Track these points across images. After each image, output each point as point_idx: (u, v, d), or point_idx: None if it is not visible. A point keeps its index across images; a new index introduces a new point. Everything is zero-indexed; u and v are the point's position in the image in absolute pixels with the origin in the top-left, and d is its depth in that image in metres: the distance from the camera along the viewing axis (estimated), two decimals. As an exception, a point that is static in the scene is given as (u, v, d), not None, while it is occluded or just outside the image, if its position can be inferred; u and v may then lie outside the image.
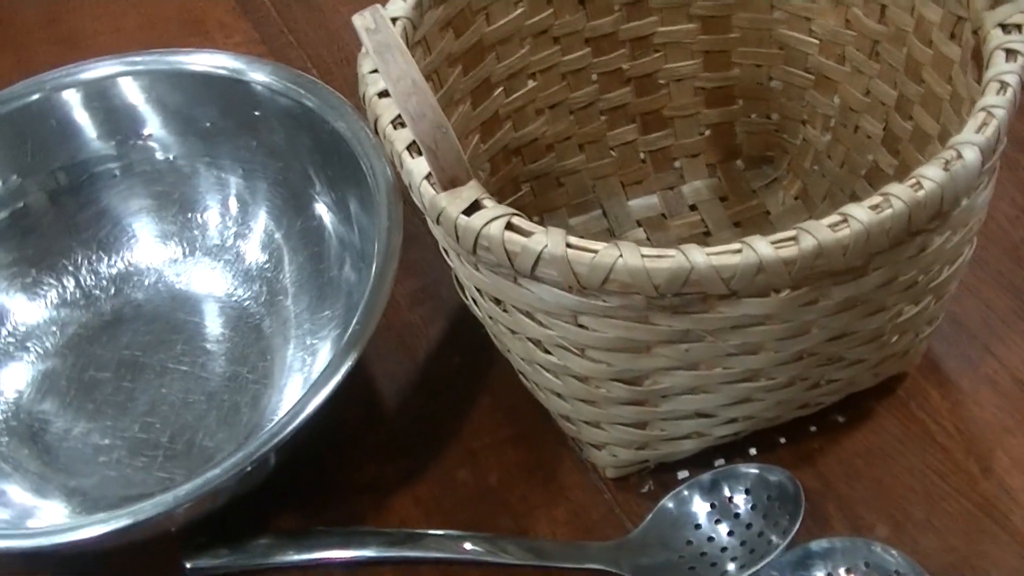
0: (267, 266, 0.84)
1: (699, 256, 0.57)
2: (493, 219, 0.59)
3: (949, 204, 0.59)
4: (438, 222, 0.61)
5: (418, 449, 0.77)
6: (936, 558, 0.68)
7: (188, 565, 0.73)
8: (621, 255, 0.57)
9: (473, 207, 0.60)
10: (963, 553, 0.70)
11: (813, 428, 0.75)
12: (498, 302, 0.65)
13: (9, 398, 0.81)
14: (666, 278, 0.57)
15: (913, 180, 0.58)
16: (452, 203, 0.60)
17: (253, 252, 0.85)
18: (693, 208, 0.85)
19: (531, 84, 0.80)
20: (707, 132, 0.85)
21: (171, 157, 0.85)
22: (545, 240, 0.58)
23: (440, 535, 0.73)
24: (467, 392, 0.80)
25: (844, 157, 0.80)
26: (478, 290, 0.67)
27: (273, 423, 0.67)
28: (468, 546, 0.72)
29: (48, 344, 0.84)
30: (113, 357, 0.83)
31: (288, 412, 0.67)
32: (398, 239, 0.72)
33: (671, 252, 0.57)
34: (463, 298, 0.72)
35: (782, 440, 0.74)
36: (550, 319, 0.63)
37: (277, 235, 0.84)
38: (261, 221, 0.85)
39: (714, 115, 0.84)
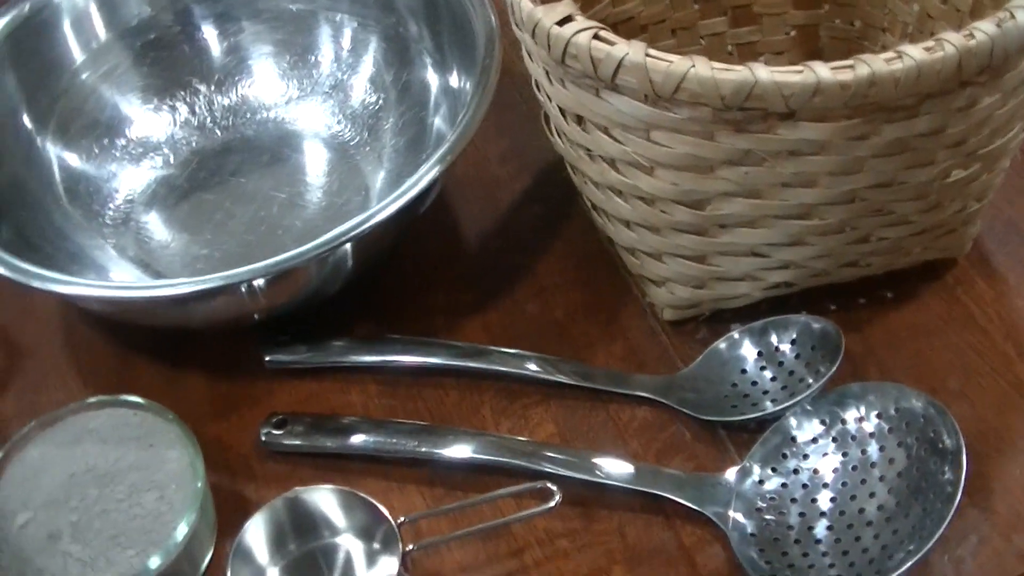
0: (371, 109, 0.90)
1: (763, 72, 0.62)
2: (582, 29, 0.65)
3: (999, 58, 0.63)
4: (533, 35, 0.67)
5: (492, 282, 0.83)
6: (967, 425, 0.71)
7: (267, 358, 0.79)
8: (694, 65, 0.63)
9: (565, 20, 0.66)
10: (993, 424, 0.73)
11: (862, 300, 0.79)
12: (580, 121, 0.71)
13: (120, 202, 0.88)
14: (732, 89, 0.62)
15: (967, 31, 0.63)
16: (547, 15, 0.67)
17: (359, 95, 0.91)
18: (773, 104, 0.90)
19: (632, -37, 0.86)
20: (793, 32, 0.90)
21: (294, 8, 0.92)
22: (627, 49, 0.64)
23: (504, 352, 0.78)
24: (543, 238, 0.85)
25: (919, 64, 0.84)
26: (562, 114, 0.72)
27: (355, 219, 0.72)
28: (530, 365, 0.77)
29: (161, 161, 0.91)
30: (219, 182, 0.89)
31: (370, 211, 0.72)
32: (495, 78, 0.78)
33: (738, 67, 0.63)
34: (548, 134, 0.78)
35: (832, 307, 0.79)
36: (625, 134, 0.68)
37: (383, 82, 0.90)
38: (370, 69, 0.91)
39: (801, 16, 0.89)
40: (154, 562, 0.67)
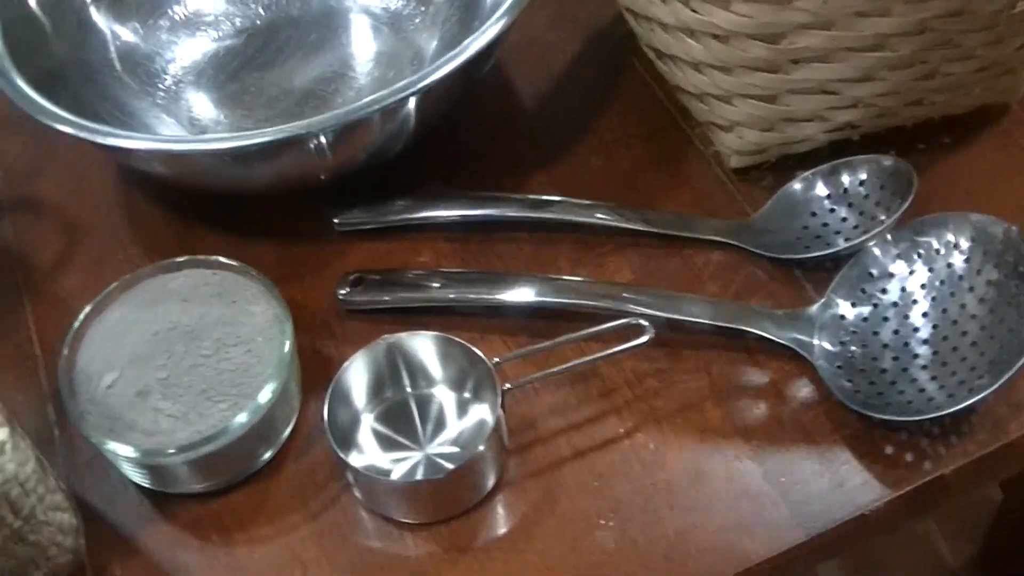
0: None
1: None
2: None
3: None
4: None
5: (553, 140, 0.84)
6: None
7: (336, 220, 0.79)
8: None
9: None
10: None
11: (921, 145, 0.80)
12: (653, -40, 0.72)
13: (170, 82, 0.88)
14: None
15: None
16: None
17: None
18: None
19: None
20: None
21: None
22: None
23: (573, 202, 0.78)
24: (601, 98, 0.86)
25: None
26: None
27: (422, 71, 0.72)
28: (602, 214, 0.77)
29: (209, 40, 0.91)
30: (267, 61, 0.89)
31: (436, 63, 0.72)
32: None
33: None
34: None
35: (892, 152, 0.79)
36: (704, -33, 0.69)
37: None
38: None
39: None
40: (247, 414, 0.67)
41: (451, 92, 0.76)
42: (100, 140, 0.72)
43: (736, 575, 0.64)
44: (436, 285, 0.75)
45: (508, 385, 0.68)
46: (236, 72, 0.88)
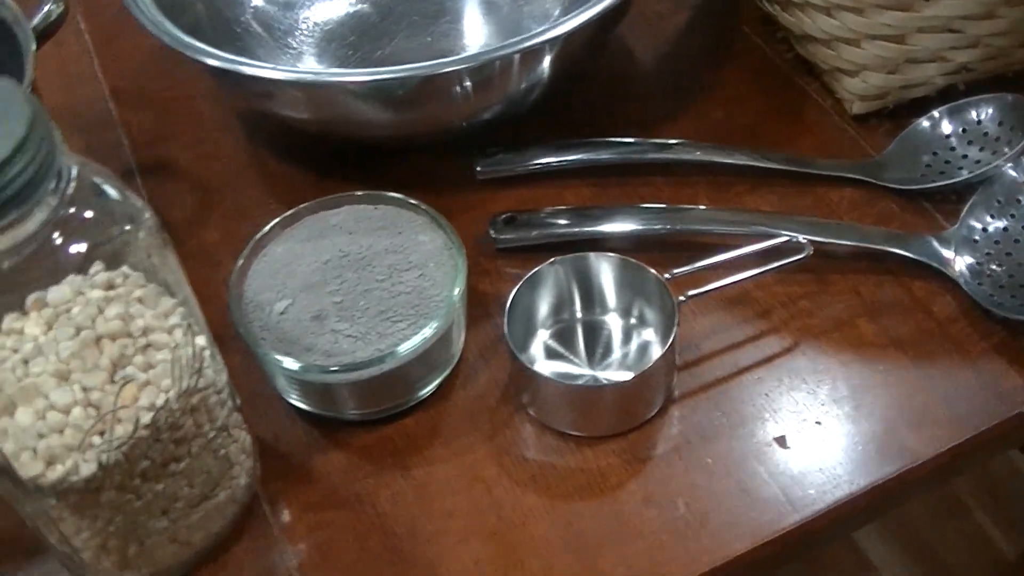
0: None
1: None
2: None
3: None
4: None
5: (675, 97, 0.87)
6: None
7: (479, 168, 0.81)
8: None
9: None
10: None
11: (1024, 96, 0.84)
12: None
13: (288, 56, 0.90)
14: None
15: None
16: None
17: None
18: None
19: None
20: None
21: None
22: None
23: (708, 146, 0.81)
24: (715, 59, 0.90)
25: None
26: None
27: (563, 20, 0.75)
28: (738, 155, 0.80)
29: (329, 7, 0.94)
30: (384, 32, 0.92)
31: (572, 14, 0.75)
32: None
33: None
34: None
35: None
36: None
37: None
38: None
39: None
40: (426, 333, 0.68)
41: (585, 43, 0.78)
42: (258, 73, 0.74)
43: (908, 469, 0.67)
44: (588, 219, 0.77)
45: (682, 297, 0.70)
46: (357, 43, 0.90)
